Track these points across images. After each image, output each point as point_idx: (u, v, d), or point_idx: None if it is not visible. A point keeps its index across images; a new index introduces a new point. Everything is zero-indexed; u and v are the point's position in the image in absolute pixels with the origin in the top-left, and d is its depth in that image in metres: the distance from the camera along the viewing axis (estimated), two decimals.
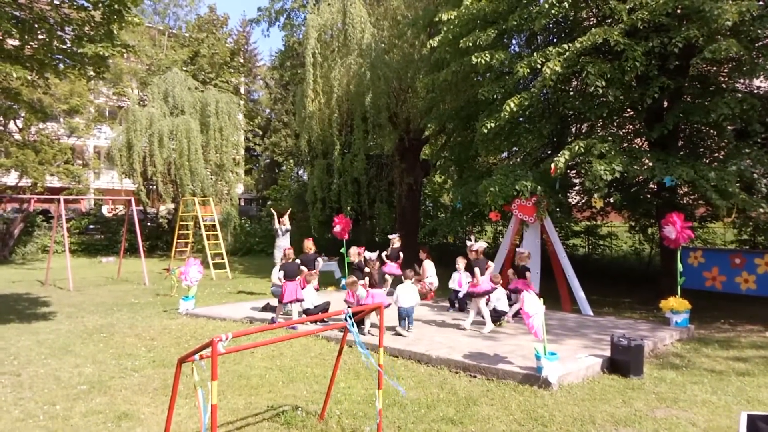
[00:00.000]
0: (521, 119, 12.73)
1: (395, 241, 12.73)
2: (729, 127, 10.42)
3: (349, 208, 19.08)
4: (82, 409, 5.72)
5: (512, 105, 10.55)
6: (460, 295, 10.59)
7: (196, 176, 21.94)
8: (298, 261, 10.23)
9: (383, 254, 12.69)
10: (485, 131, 11.15)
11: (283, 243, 12.80)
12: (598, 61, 10.24)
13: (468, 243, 10.29)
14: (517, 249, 10.57)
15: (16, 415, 5.57)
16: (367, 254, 10.13)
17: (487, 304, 9.33)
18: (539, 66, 10.43)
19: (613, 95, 10.34)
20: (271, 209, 15.41)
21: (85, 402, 5.94)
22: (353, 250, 10.28)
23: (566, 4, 10.32)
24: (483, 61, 10.94)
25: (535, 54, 10.70)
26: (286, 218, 13.24)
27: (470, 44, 11.17)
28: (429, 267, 12.03)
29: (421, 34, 16.14)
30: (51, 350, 8.14)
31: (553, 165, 10.29)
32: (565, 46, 10.28)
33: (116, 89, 28.12)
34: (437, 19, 12.11)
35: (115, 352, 8.02)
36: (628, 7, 9.88)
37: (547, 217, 11.15)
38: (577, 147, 10.16)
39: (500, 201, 10.93)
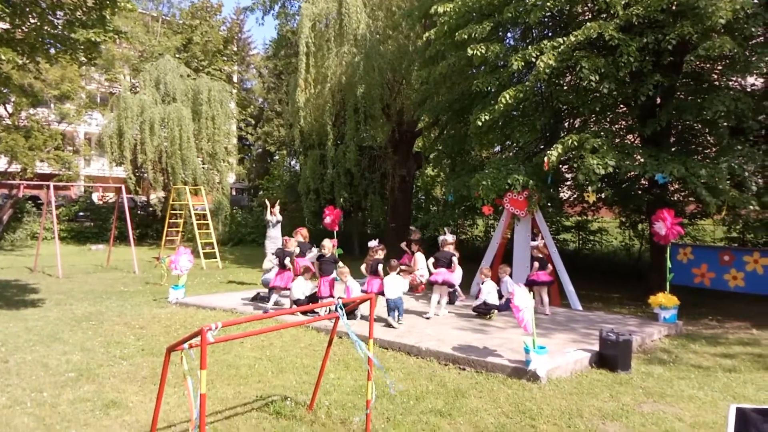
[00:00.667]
0: (515, 113, 12.73)
1: (414, 234, 13.02)
2: (724, 124, 10.45)
3: (342, 199, 19.05)
4: (69, 397, 5.69)
5: (507, 97, 10.55)
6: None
7: (187, 165, 21.78)
8: (290, 250, 10.26)
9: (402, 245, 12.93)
10: (479, 124, 11.15)
11: (274, 234, 12.76)
12: (593, 55, 10.23)
13: (439, 238, 10.43)
14: (532, 243, 10.70)
15: (3, 402, 5.54)
16: (371, 243, 10.20)
17: (453, 294, 9.86)
18: (534, 59, 10.41)
19: (608, 89, 10.35)
20: (265, 200, 15.34)
21: (72, 389, 5.92)
22: (326, 242, 10.31)
23: None
24: (478, 53, 10.91)
25: (529, 47, 10.68)
26: (276, 208, 13.19)
27: (466, 36, 11.15)
28: (420, 259, 12.02)
29: (416, 25, 16.04)
30: (39, 337, 8.09)
31: (546, 159, 10.30)
32: (560, 39, 10.27)
33: (108, 75, 27.84)
34: (432, 11, 12.04)
35: (104, 340, 7.98)
36: (623, 2, 9.88)
37: (538, 211, 11.18)
38: (570, 141, 10.18)
39: (492, 195, 10.95)
